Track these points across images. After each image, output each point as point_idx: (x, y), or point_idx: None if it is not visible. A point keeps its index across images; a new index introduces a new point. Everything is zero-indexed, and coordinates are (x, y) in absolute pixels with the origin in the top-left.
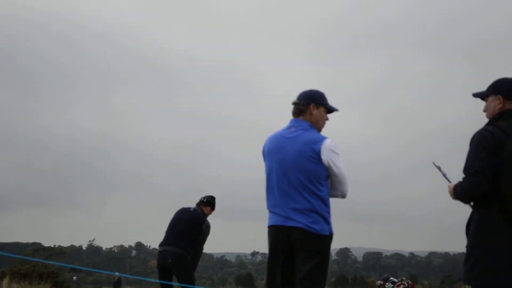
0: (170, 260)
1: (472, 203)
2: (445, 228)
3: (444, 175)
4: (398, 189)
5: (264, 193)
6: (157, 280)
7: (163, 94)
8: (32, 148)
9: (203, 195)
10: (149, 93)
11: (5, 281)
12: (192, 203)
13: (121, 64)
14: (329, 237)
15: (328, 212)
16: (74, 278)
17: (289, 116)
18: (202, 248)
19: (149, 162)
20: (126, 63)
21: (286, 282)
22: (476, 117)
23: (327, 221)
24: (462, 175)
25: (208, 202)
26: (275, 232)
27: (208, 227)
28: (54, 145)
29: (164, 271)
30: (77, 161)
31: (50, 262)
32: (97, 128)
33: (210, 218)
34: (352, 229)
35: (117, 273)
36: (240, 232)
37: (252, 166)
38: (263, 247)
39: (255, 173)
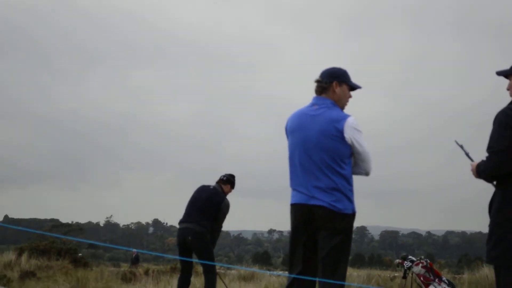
0: (190, 238)
1: (495, 182)
2: (463, 207)
3: (467, 154)
4: (420, 170)
5: (284, 170)
6: (177, 257)
7: (183, 70)
8: (50, 125)
9: (223, 173)
10: (169, 70)
11: (24, 257)
12: (210, 181)
13: (141, 39)
14: (352, 215)
15: (351, 191)
16: (80, 255)
17: (311, 90)
18: (221, 226)
19: (167, 139)
20: (146, 39)
21: (308, 260)
22: (503, 96)
23: (350, 199)
24: (486, 154)
25: (228, 181)
26: (298, 210)
27: (227, 206)
28: (73, 121)
29: (184, 248)
30: (95, 137)
31: (70, 238)
32: (115, 105)
33: (228, 196)
34: (369, 208)
35: (134, 250)
36: (257, 210)
37: (271, 143)
38: (280, 225)
39: (274, 151)
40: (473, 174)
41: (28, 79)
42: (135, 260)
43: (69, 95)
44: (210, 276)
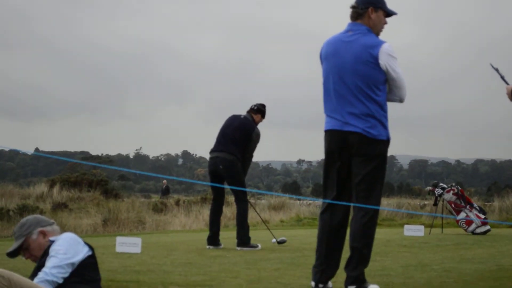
0: (221, 166)
1: None
2: (492, 136)
3: (502, 77)
4: (448, 99)
5: (313, 101)
6: (209, 183)
7: (212, 1)
8: (79, 58)
9: (254, 103)
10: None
11: (56, 189)
12: (238, 112)
13: None
14: (386, 142)
15: (386, 117)
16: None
17: (345, 21)
18: (252, 155)
19: (196, 71)
20: None
21: (342, 186)
22: None
23: (384, 126)
24: None
25: (259, 110)
26: (332, 136)
27: (258, 135)
28: (100, 54)
29: (216, 177)
30: (123, 69)
31: (104, 166)
32: (145, 36)
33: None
34: (398, 137)
35: (165, 180)
36: (286, 141)
37: (300, 72)
38: (309, 155)
39: (302, 79)
40: (508, 97)
41: (54, 13)
42: (166, 191)
43: (97, 27)
44: (242, 204)
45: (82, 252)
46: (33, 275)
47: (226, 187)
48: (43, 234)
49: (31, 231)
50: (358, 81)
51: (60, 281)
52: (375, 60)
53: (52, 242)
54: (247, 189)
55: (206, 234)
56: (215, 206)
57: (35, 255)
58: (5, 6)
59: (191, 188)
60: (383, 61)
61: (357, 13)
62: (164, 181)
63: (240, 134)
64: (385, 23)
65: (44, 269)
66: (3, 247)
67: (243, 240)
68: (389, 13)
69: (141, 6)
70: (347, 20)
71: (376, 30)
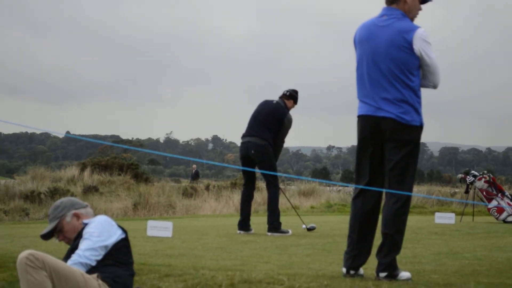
0: (253, 151)
1: None
2: None
3: None
4: (479, 86)
5: (343, 86)
6: (240, 167)
7: None
8: (106, 41)
9: (286, 89)
10: None
11: (87, 172)
12: (270, 97)
13: None
14: (420, 128)
15: (419, 103)
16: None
17: (378, 6)
18: (283, 141)
19: (227, 56)
20: None
21: (374, 172)
22: None
23: (418, 111)
24: None
25: (291, 96)
26: (365, 121)
27: (290, 120)
28: (130, 37)
29: (247, 162)
30: (154, 54)
31: (135, 148)
32: (175, 19)
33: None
34: (429, 124)
35: (194, 165)
36: (316, 126)
37: (330, 58)
38: (339, 141)
39: (333, 67)
40: None
41: None
42: (195, 176)
43: (129, 10)
44: (273, 189)
45: (116, 235)
46: (66, 257)
47: (258, 171)
48: (77, 216)
49: (65, 213)
50: (392, 66)
51: (94, 263)
52: (409, 45)
53: (85, 224)
54: (279, 174)
55: (236, 219)
56: (246, 191)
57: (68, 238)
58: None
59: (221, 173)
60: (417, 46)
61: None
62: (194, 165)
63: (272, 119)
64: (420, 9)
65: (77, 251)
66: (35, 229)
67: (274, 225)
68: (424, 0)
69: None
70: (381, 4)
71: (411, 15)
